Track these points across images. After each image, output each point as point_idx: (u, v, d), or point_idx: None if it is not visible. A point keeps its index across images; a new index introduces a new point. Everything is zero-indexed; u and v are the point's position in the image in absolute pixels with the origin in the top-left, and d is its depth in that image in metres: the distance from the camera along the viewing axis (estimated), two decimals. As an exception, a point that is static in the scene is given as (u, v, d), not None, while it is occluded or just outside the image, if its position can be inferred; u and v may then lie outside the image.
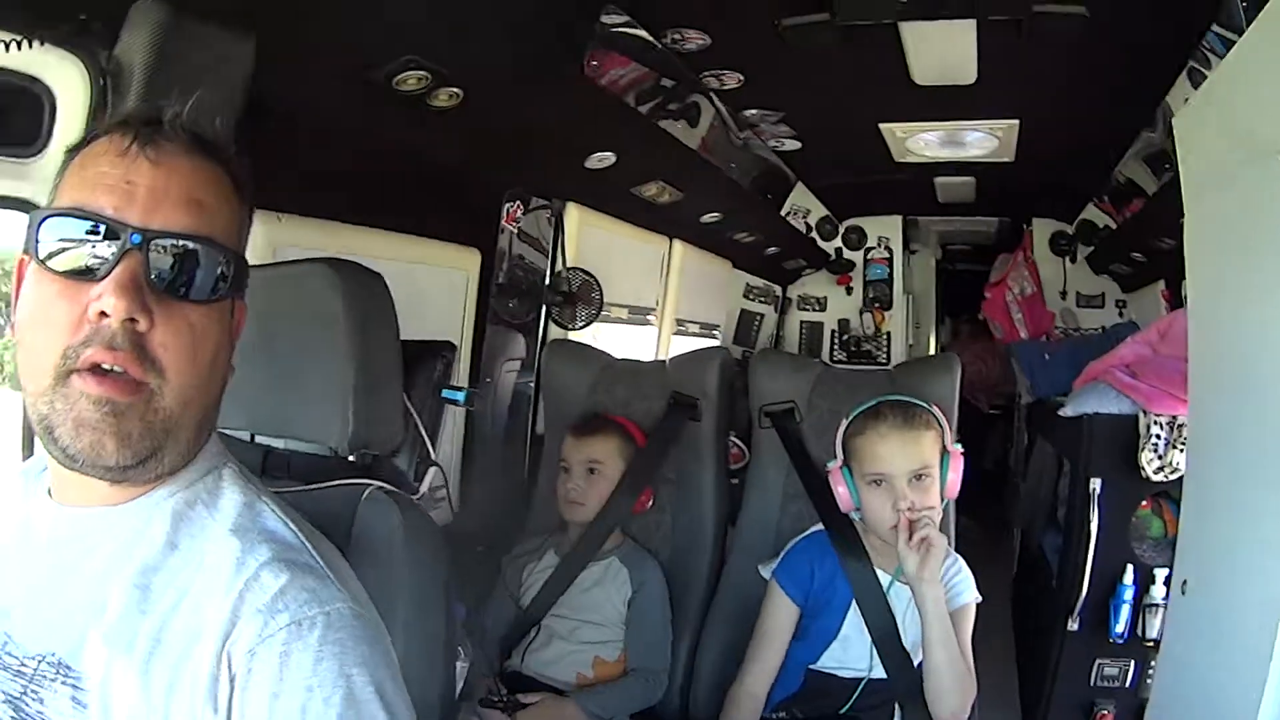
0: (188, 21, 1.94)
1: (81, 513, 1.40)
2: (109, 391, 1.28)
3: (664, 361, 3.80)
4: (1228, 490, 2.56)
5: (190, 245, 1.33)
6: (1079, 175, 6.21)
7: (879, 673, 2.89)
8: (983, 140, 5.30)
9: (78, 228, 1.31)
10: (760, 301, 7.99)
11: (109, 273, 1.28)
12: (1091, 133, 5.02)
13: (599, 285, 4.38)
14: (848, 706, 2.91)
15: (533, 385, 4.38)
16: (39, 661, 1.34)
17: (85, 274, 1.29)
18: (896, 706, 2.90)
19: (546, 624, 3.27)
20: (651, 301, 5.74)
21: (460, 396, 2.07)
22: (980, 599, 2.95)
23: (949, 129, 5.13)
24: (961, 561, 3.00)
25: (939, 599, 2.77)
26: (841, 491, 2.91)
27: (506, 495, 4.22)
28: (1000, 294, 7.65)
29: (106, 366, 1.28)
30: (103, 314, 1.27)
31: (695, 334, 6.53)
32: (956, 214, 7.69)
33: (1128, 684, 4.23)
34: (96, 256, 1.29)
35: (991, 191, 6.73)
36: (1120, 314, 7.48)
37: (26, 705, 1.33)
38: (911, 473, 2.80)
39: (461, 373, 3.71)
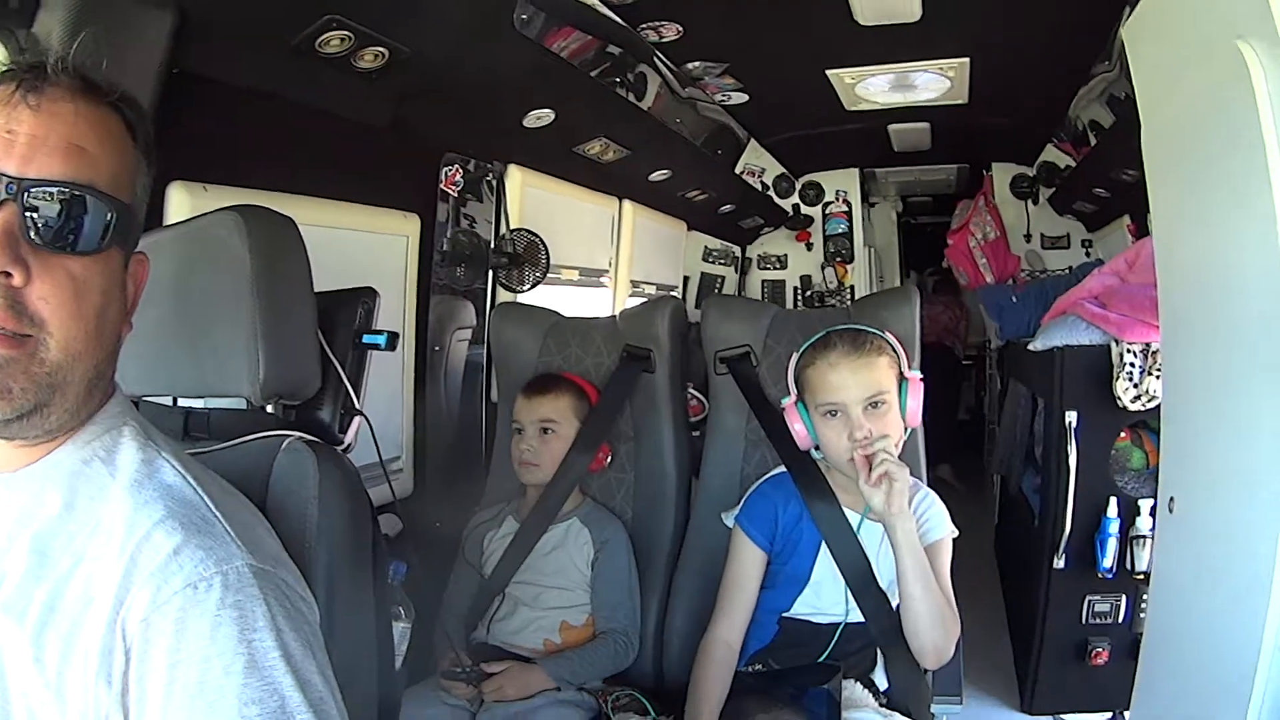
0: None
1: None
2: None
3: (614, 316, 3.70)
4: (1208, 408, 2.52)
5: (69, 193, 1.28)
6: (1036, 115, 6.17)
7: (856, 616, 2.83)
8: (934, 82, 5.24)
9: None
10: (720, 263, 7.98)
11: None
12: (1046, 70, 4.97)
13: (545, 246, 4.29)
14: (826, 653, 2.84)
15: (484, 353, 4.30)
16: None
17: None
18: (878, 651, 2.85)
19: (510, 592, 3.21)
20: (604, 264, 5.66)
21: (381, 340, 1.98)
22: (956, 533, 2.89)
23: (897, 71, 5.05)
24: (934, 496, 2.93)
25: (910, 531, 2.70)
26: (798, 428, 2.85)
27: (464, 466, 4.18)
28: (963, 240, 7.63)
29: None
30: None
31: (651, 295, 6.42)
32: (914, 163, 7.67)
33: (1120, 619, 4.24)
34: None
35: (947, 137, 6.68)
36: (1086, 253, 7.48)
37: None
38: (866, 400, 2.73)
39: (407, 342, 3.65)
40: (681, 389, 3.58)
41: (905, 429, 2.85)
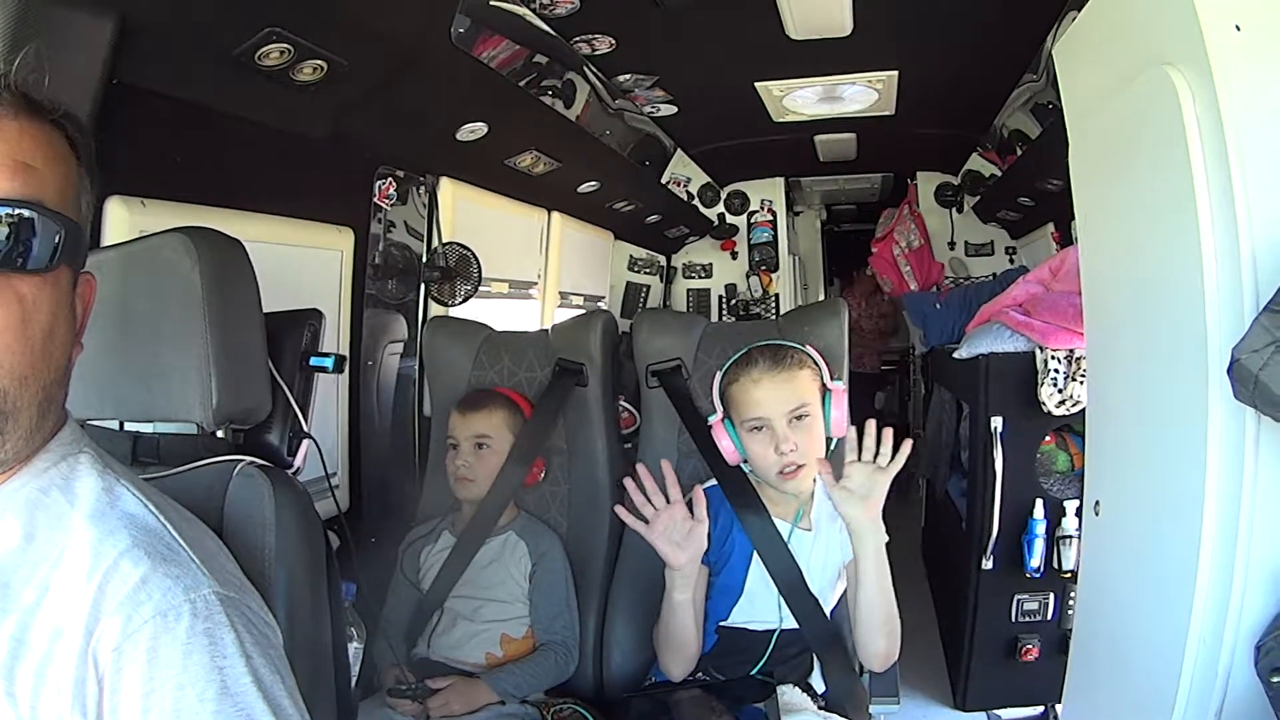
0: (41, 2, 1.88)
1: None
2: None
3: (546, 330, 3.72)
4: (1131, 413, 2.60)
5: (18, 212, 1.24)
6: (962, 125, 6.25)
7: (790, 623, 2.88)
8: (861, 94, 5.28)
9: None
10: (645, 273, 8.01)
11: None
12: (973, 81, 5.05)
13: (477, 259, 4.29)
14: (764, 659, 2.89)
15: (416, 368, 4.31)
16: None
17: None
18: (814, 658, 2.91)
19: (449, 606, 3.23)
20: (533, 275, 5.67)
21: (329, 363, 1.98)
22: (888, 539, 2.91)
23: (826, 84, 5.10)
24: None
25: (879, 539, 2.79)
26: (725, 444, 2.92)
27: (397, 481, 4.16)
28: (887, 248, 7.72)
29: None
30: None
31: (579, 306, 6.47)
32: (839, 172, 7.73)
33: (1048, 616, 4.34)
34: None
35: (873, 147, 6.74)
36: (1010, 260, 7.60)
37: None
38: (789, 413, 2.80)
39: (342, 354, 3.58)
40: (613, 401, 3.62)
41: (832, 440, 2.92)
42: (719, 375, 2.98)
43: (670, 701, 2.86)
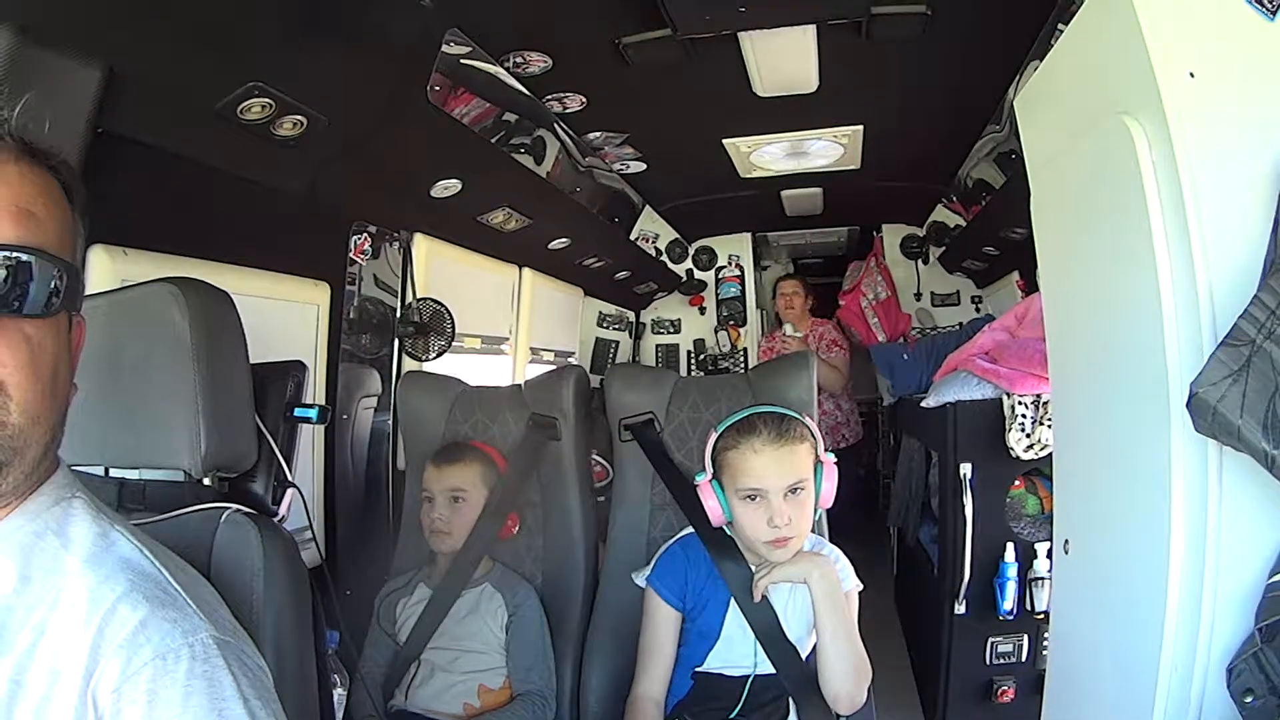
0: (31, 48, 1.90)
1: None
2: None
3: (520, 385, 3.73)
4: (1097, 453, 2.62)
5: (22, 257, 1.26)
6: (927, 177, 6.35)
7: (765, 668, 2.88)
8: (826, 149, 5.37)
9: None
10: (614, 329, 8.07)
11: None
12: (937, 133, 5.15)
13: (450, 315, 4.31)
14: (739, 707, 2.88)
15: (390, 422, 4.32)
16: None
17: None
18: (790, 703, 2.89)
19: (426, 658, 3.21)
20: (505, 331, 5.72)
21: (313, 414, 1.99)
22: (862, 586, 2.96)
23: (792, 139, 5.18)
24: (838, 551, 3.02)
25: (830, 586, 2.80)
26: (712, 505, 2.88)
27: (371, 534, 4.16)
28: (855, 301, 7.78)
29: None
30: None
31: (550, 361, 6.53)
32: (806, 226, 7.85)
33: (1023, 658, 4.33)
34: None
35: (839, 200, 6.86)
36: (976, 309, 7.72)
37: None
38: (787, 487, 2.78)
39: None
40: (586, 455, 3.63)
41: (818, 511, 2.95)
42: (714, 436, 2.96)
43: None
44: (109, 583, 1.31)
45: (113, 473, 1.93)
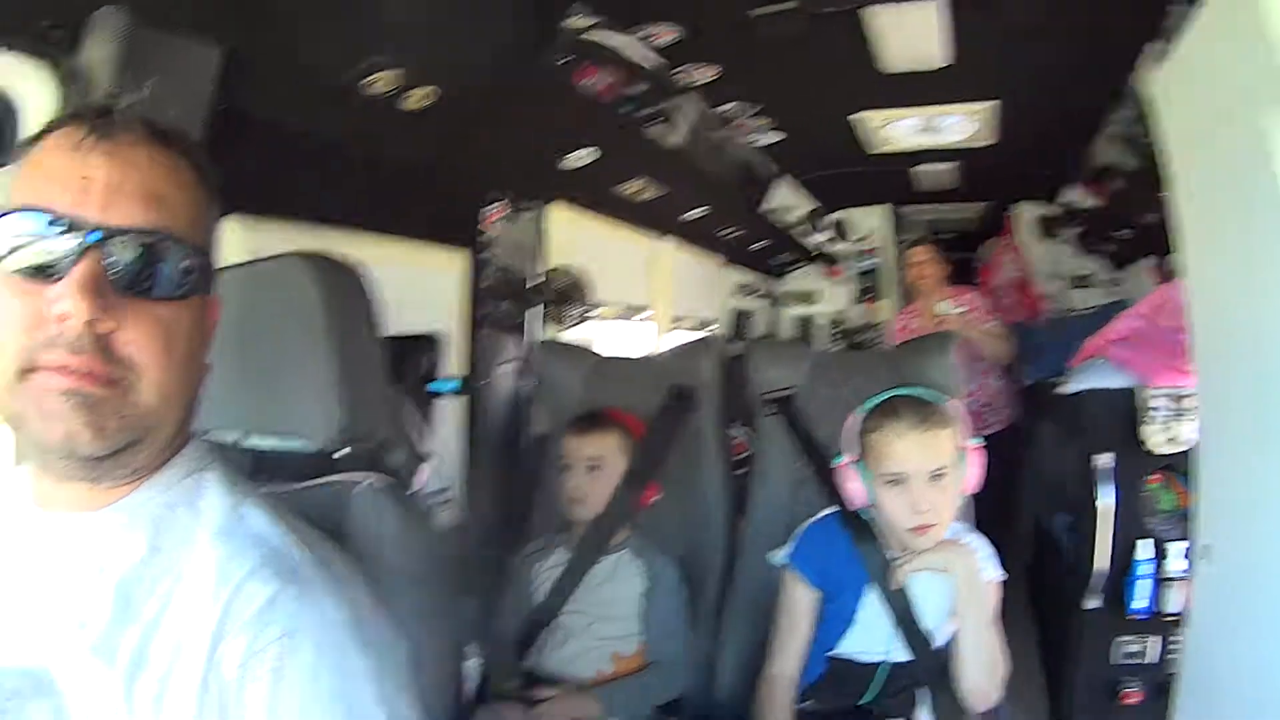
0: (150, 30, 1.92)
1: (60, 519, 1.34)
2: (76, 383, 1.22)
3: (658, 355, 3.73)
4: (1243, 455, 2.51)
5: (152, 240, 1.27)
6: (1059, 156, 6.22)
7: (900, 655, 2.82)
8: (960, 125, 5.36)
9: (33, 225, 1.24)
10: (752, 299, 8.02)
11: (67, 272, 1.22)
12: (1071, 111, 5.01)
13: (585, 284, 4.33)
14: (872, 695, 2.85)
15: (527, 388, 4.30)
16: (20, 677, 1.28)
17: (43, 273, 1.23)
18: (922, 693, 2.85)
19: (561, 622, 3.20)
20: (644, 300, 5.73)
21: (452, 386, 2.01)
22: (1004, 576, 2.88)
23: (924, 115, 5.15)
24: (978, 538, 2.93)
25: (973, 575, 2.75)
26: (854, 486, 2.83)
27: (510, 497, 4.11)
28: (990, 279, 7.62)
29: (74, 368, 1.22)
30: (63, 316, 1.22)
31: (691, 330, 6.48)
32: (941, 201, 7.72)
33: (1152, 660, 4.16)
34: (53, 254, 1.23)
35: (974, 177, 6.79)
36: (1111, 293, 7.43)
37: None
38: (930, 472, 2.70)
39: (458, 373, 3.67)
40: (725, 427, 3.59)
41: (961, 496, 2.85)
42: (858, 418, 2.88)
43: None
44: (239, 558, 1.32)
45: (250, 442, 1.94)
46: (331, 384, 1.71)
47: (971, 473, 2.81)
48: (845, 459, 2.86)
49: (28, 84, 1.98)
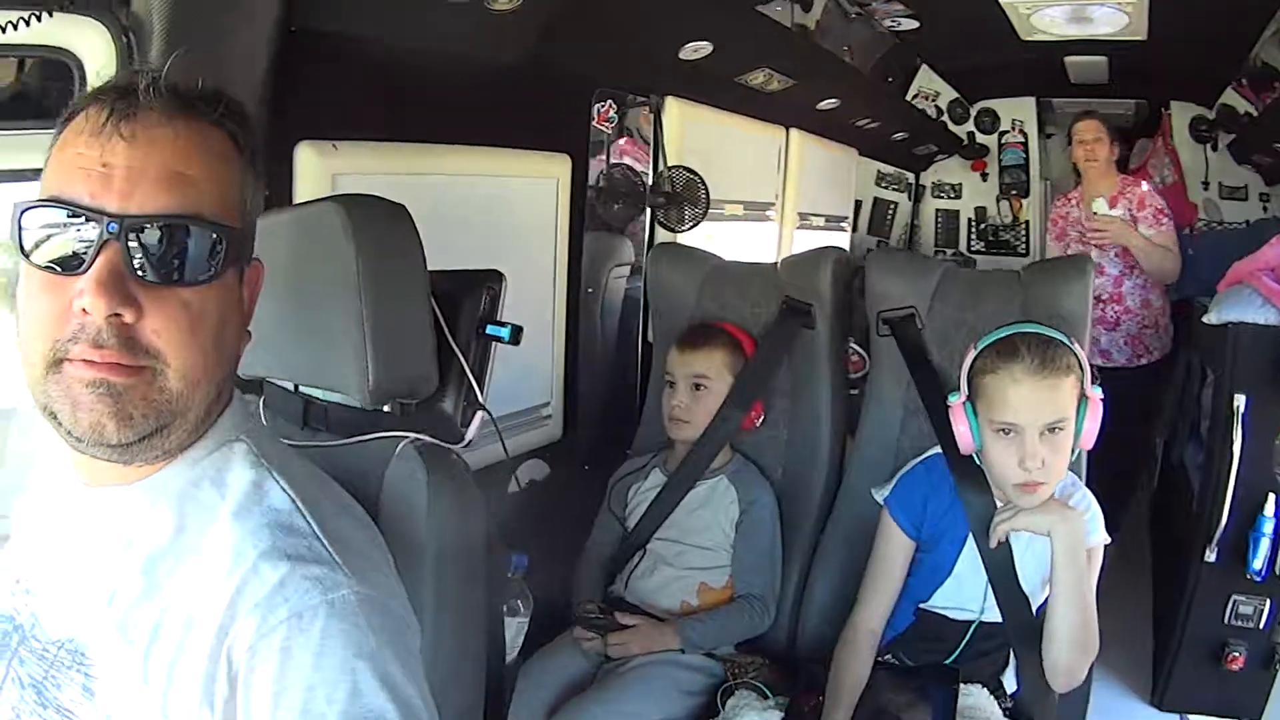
0: None
1: (94, 493, 1.37)
2: (103, 374, 1.22)
3: (775, 263, 3.52)
4: None
5: (174, 226, 1.26)
6: (1216, 55, 5.84)
7: (992, 615, 2.69)
8: (1111, 16, 5.10)
9: (56, 217, 1.24)
10: (893, 189, 7.79)
11: (90, 264, 1.22)
12: (1228, 8, 4.69)
13: (704, 184, 4.13)
14: (959, 652, 2.73)
15: (642, 290, 4.22)
16: (59, 648, 1.34)
17: (68, 265, 1.23)
18: (1011, 654, 2.73)
19: (652, 548, 3.16)
20: (770, 196, 5.48)
21: (505, 333, 1.92)
22: (1109, 540, 2.67)
23: (1074, 4, 4.93)
24: (1090, 498, 2.70)
25: (1074, 544, 2.53)
26: (962, 430, 2.61)
27: (617, 407, 4.14)
28: (1141, 182, 7.23)
29: (97, 361, 1.22)
30: (85, 310, 1.21)
31: (821, 228, 6.27)
32: (1091, 95, 7.21)
33: (1261, 624, 3.95)
34: (76, 247, 1.23)
35: (1125, 72, 6.40)
36: (1264, 208, 7.02)
37: (48, 690, 1.33)
38: (1045, 425, 2.48)
39: (558, 284, 3.60)
40: (841, 345, 3.40)
41: (1076, 451, 2.61)
42: (971, 355, 2.66)
43: None
44: (253, 537, 1.31)
45: (304, 389, 1.94)
46: (363, 340, 1.66)
47: (1090, 426, 2.56)
48: (957, 398, 2.64)
49: (88, 42, 1.97)
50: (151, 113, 1.26)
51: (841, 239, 6.83)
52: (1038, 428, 2.47)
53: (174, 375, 1.27)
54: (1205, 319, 4.05)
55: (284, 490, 1.38)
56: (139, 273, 1.23)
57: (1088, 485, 2.80)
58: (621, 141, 4.60)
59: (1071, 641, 2.53)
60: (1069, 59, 6.21)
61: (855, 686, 2.72)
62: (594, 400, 4.01)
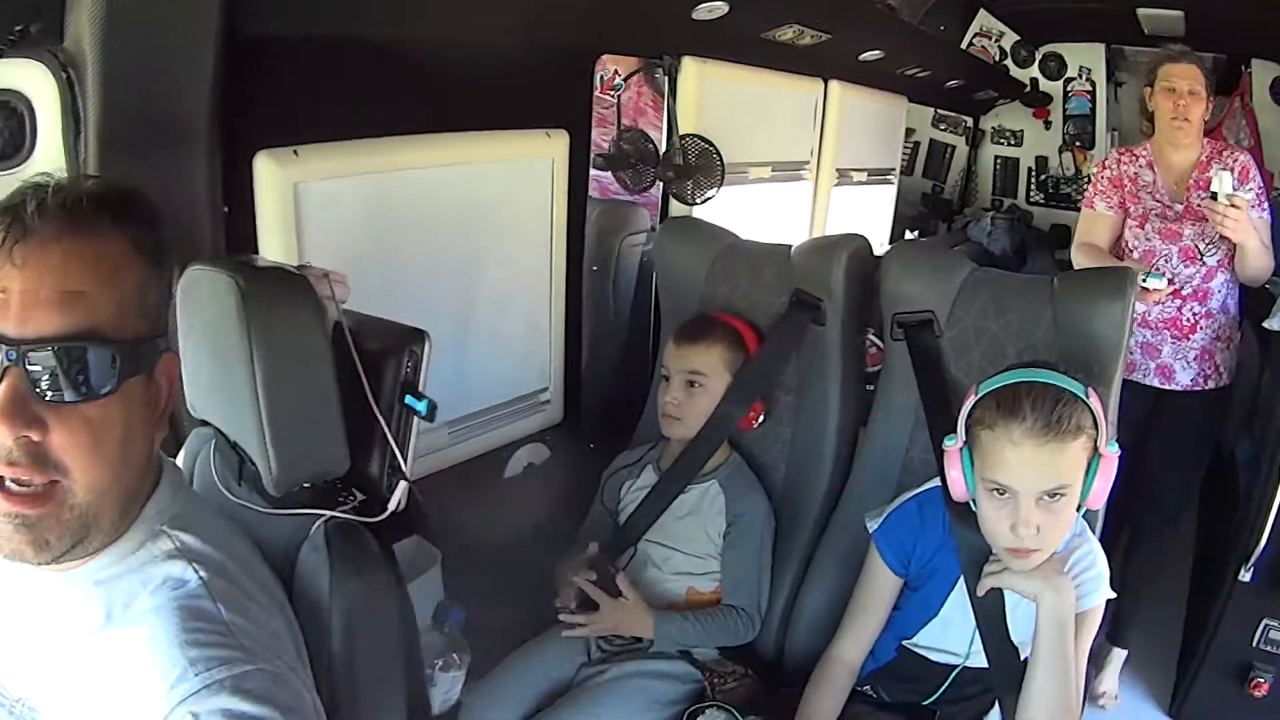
0: None
1: (32, 569, 1.39)
2: (17, 506, 1.30)
3: (789, 246, 3.27)
4: None
5: (69, 348, 1.30)
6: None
7: (978, 660, 2.55)
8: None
9: None
10: (951, 132, 7.61)
11: None
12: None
13: (719, 155, 3.91)
14: (938, 694, 2.62)
15: (647, 270, 4.11)
16: (20, 704, 1.42)
17: None
18: (994, 703, 2.57)
19: (642, 548, 3.08)
20: (805, 153, 5.21)
21: (422, 408, 1.90)
22: (1112, 595, 2.51)
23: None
24: (1097, 550, 2.52)
25: (1060, 614, 2.37)
26: (955, 478, 2.41)
27: (627, 382, 3.98)
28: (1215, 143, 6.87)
29: (10, 479, 1.29)
30: None
31: (863, 183, 5.99)
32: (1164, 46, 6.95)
33: None
34: None
35: (1203, 24, 6.02)
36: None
37: None
38: (1043, 492, 2.27)
39: (556, 265, 3.49)
40: (856, 341, 3.21)
41: (1082, 509, 2.41)
42: (970, 401, 2.43)
43: None
44: (168, 626, 1.38)
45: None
46: (261, 430, 1.64)
47: (1099, 486, 2.34)
48: (954, 443, 2.43)
49: (35, 82, 1.99)
50: (41, 234, 1.29)
51: (886, 194, 6.56)
52: (1034, 494, 2.27)
53: (81, 490, 1.32)
54: (1267, 324, 3.84)
55: (200, 580, 1.44)
56: (41, 394, 1.28)
57: (1107, 517, 2.70)
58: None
59: (1045, 716, 2.39)
60: (1142, 11, 5.92)
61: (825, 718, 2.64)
62: (603, 378, 3.94)
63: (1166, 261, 4.03)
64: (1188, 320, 4.05)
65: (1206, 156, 4.26)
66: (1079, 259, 4.23)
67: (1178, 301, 4.04)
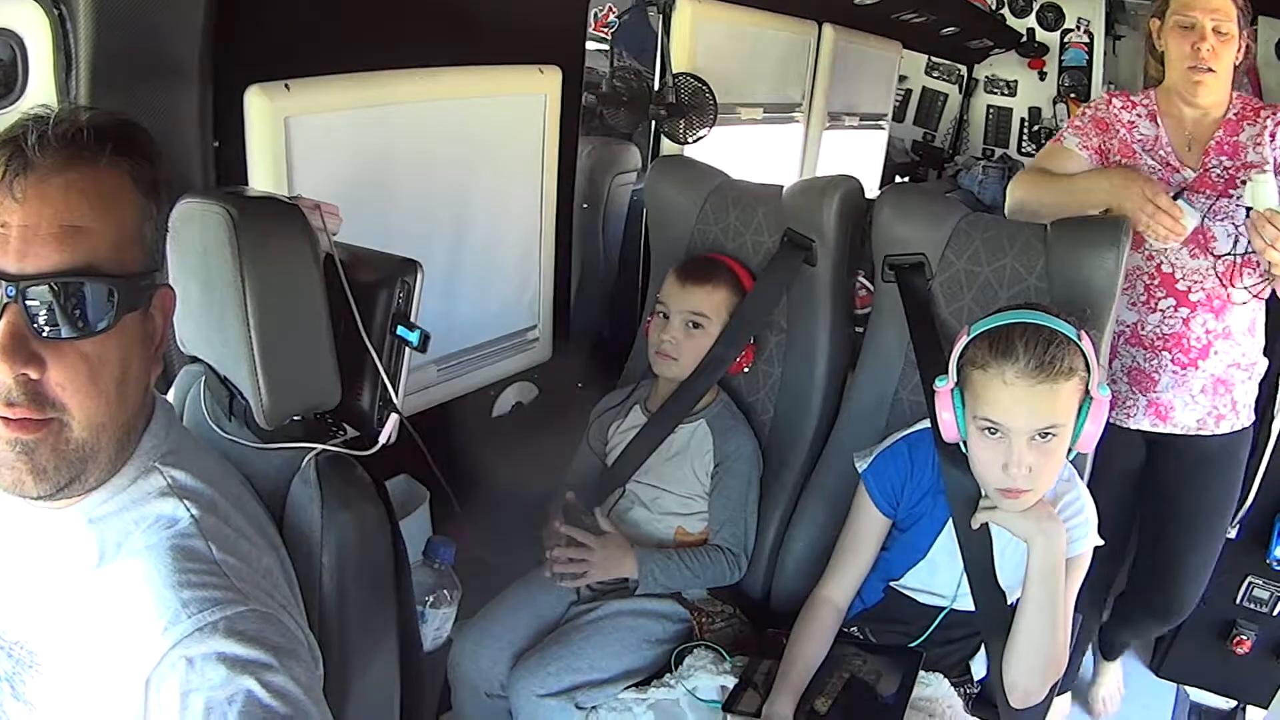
0: None
1: (27, 508, 1.42)
2: (15, 431, 1.30)
3: (781, 187, 3.25)
4: None
5: (69, 283, 1.30)
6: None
7: (965, 604, 2.57)
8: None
9: None
10: (944, 80, 7.59)
11: None
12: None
13: (713, 94, 3.88)
14: (925, 636, 2.64)
15: (638, 208, 4.07)
16: (20, 647, 1.43)
17: None
18: (980, 644, 2.63)
19: (631, 489, 3.07)
20: (796, 96, 5.20)
21: (414, 338, 1.87)
22: (1101, 543, 2.52)
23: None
24: (1086, 497, 2.53)
25: (1050, 558, 2.38)
26: (946, 419, 2.40)
27: (618, 321, 4.06)
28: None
29: (9, 417, 1.30)
30: None
31: (854, 127, 5.99)
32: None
33: (1275, 611, 3.82)
34: None
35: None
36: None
37: (17, 685, 1.43)
38: (1035, 430, 2.27)
39: (546, 202, 3.43)
40: (846, 282, 3.18)
41: (1072, 453, 2.40)
42: (963, 341, 2.40)
43: None
44: (161, 564, 1.40)
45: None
46: (253, 362, 1.64)
47: (1090, 429, 2.34)
48: (945, 383, 2.42)
49: (27, 19, 1.97)
50: (41, 167, 1.29)
51: (878, 139, 6.56)
52: (1026, 433, 2.27)
53: (78, 425, 1.34)
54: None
55: (192, 518, 1.46)
56: (40, 331, 1.29)
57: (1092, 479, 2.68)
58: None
59: (1034, 664, 2.43)
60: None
61: (811, 660, 2.63)
62: (592, 316, 3.94)
63: (1164, 246, 3.03)
64: (1197, 338, 3.10)
65: (1236, 113, 3.17)
66: (1014, 185, 3.28)
67: (1185, 310, 3.07)
